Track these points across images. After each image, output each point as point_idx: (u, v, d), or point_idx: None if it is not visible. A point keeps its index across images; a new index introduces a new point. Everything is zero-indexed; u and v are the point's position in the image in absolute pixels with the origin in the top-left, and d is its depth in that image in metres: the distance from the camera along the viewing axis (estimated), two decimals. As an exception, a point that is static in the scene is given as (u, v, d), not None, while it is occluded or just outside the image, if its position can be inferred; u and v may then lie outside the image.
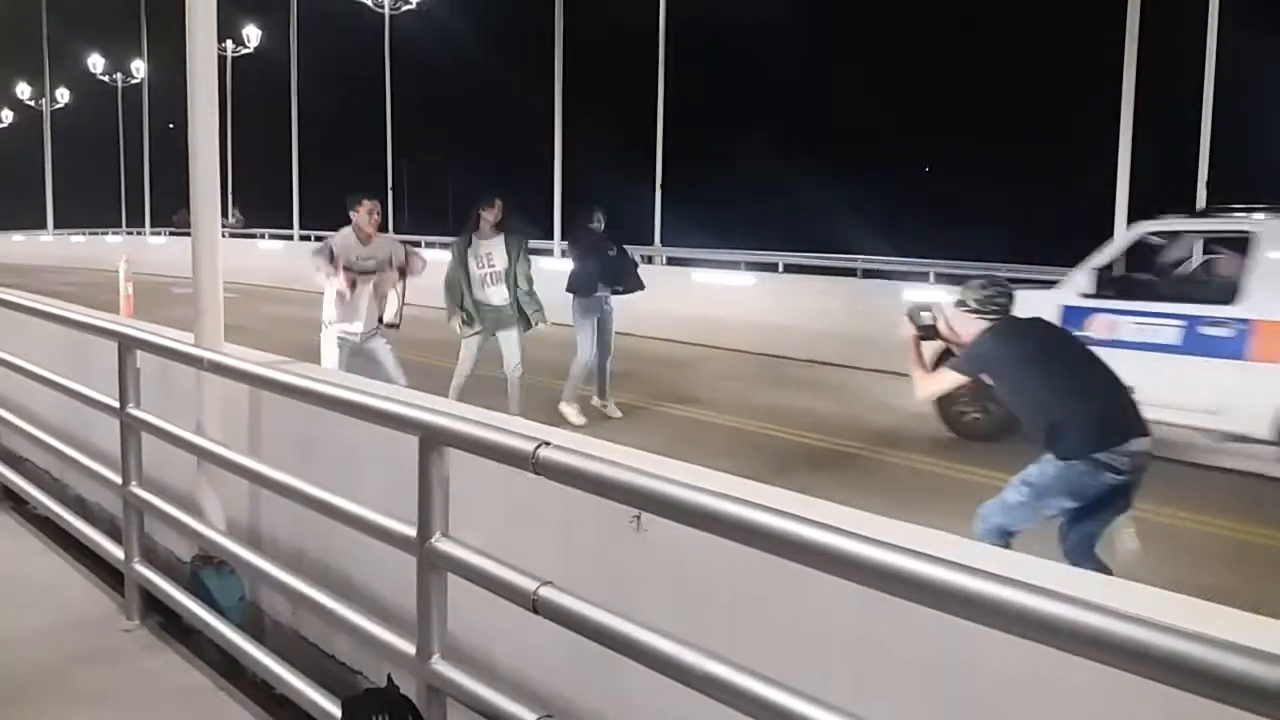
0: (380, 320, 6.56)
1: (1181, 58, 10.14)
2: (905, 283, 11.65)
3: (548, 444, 2.01)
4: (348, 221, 6.49)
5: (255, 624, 3.80)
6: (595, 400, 8.35)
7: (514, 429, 2.18)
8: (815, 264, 13.51)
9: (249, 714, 3.08)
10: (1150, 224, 7.68)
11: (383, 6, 21.68)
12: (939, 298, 4.61)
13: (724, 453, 7.03)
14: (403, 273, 6.52)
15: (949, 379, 4.22)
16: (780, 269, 13.33)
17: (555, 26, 15.68)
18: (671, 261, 14.78)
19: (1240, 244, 6.96)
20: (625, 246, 8.59)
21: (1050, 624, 1.39)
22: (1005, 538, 3.92)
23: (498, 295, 7.29)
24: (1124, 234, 7.91)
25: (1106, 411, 3.89)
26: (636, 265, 8.61)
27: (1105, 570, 3.81)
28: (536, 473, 2.01)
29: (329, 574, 3.29)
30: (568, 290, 8.27)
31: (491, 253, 7.28)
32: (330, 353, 6.46)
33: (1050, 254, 11.38)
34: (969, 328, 4.19)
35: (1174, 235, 7.78)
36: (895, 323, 10.61)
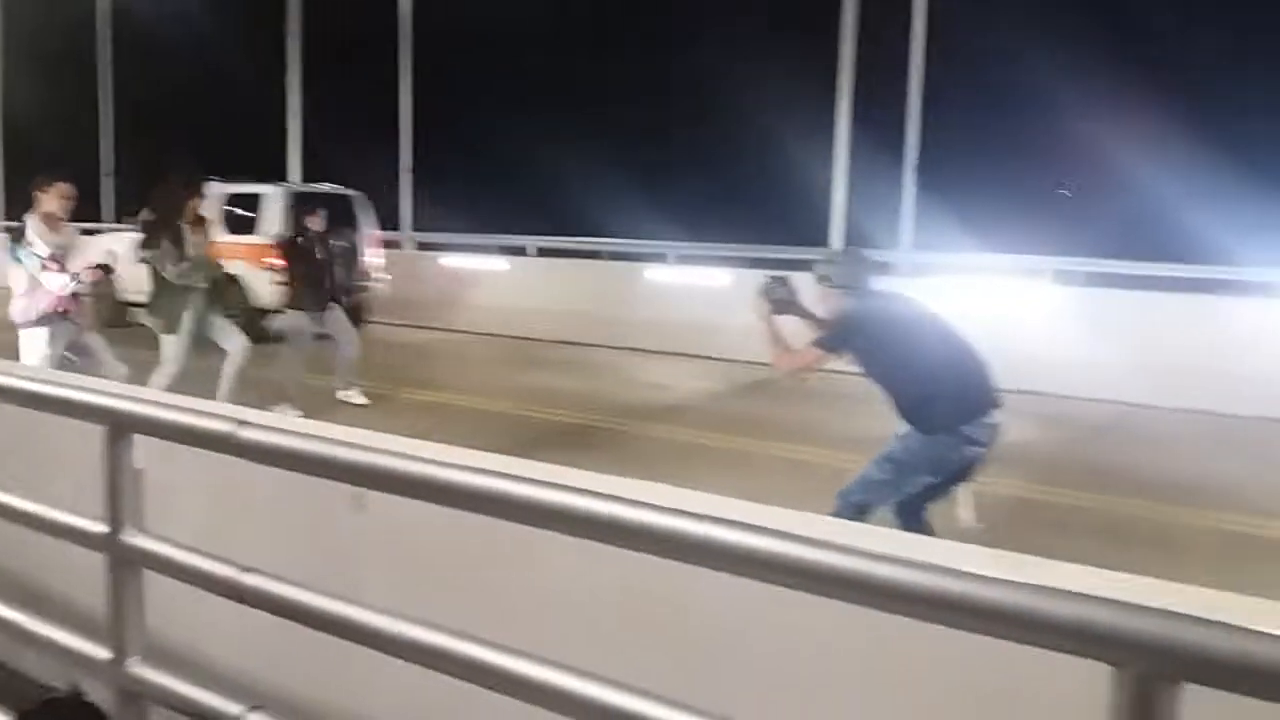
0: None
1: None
2: (647, 264, 11.99)
3: (247, 423, 1.92)
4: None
5: (-60, 650, 3.41)
6: (340, 394, 8.11)
7: (211, 410, 2.06)
8: (564, 247, 13.60)
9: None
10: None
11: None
12: (790, 272, 4.42)
13: (473, 434, 6.97)
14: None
15: (812, 357, 4.03)
16: (530, 252, 13.35)
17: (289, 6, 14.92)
18: (422, 247, 14.46)
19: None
20: (344, 242, 8.52)
21: (753, 557, 1.46)
22: (862, 514, 3.86)
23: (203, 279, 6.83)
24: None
25: (970, 385, 3.90)
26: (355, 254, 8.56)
27: (930, 533, 3.85)
28: (238, 454, 1.92)
29: (21, 586, 3.00)
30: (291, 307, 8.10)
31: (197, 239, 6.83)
32: (36, 349, 5.89)
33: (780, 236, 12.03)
34: (830, 303, 4.10)
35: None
36: (641, 303, 11.08)
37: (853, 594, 1.44)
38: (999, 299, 9.42)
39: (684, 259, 11.93)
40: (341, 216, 10.63)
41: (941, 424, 3.81)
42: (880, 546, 1.44)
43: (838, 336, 4.00)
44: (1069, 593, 1.24)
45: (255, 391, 6.96)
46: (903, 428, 3.93)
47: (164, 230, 6.65)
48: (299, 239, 8.21)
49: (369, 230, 12.00)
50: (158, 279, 6.69)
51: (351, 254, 9.83)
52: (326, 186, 12.20)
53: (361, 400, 8.12)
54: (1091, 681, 1.24)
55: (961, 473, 3.98)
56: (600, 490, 1.69)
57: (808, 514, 2.28)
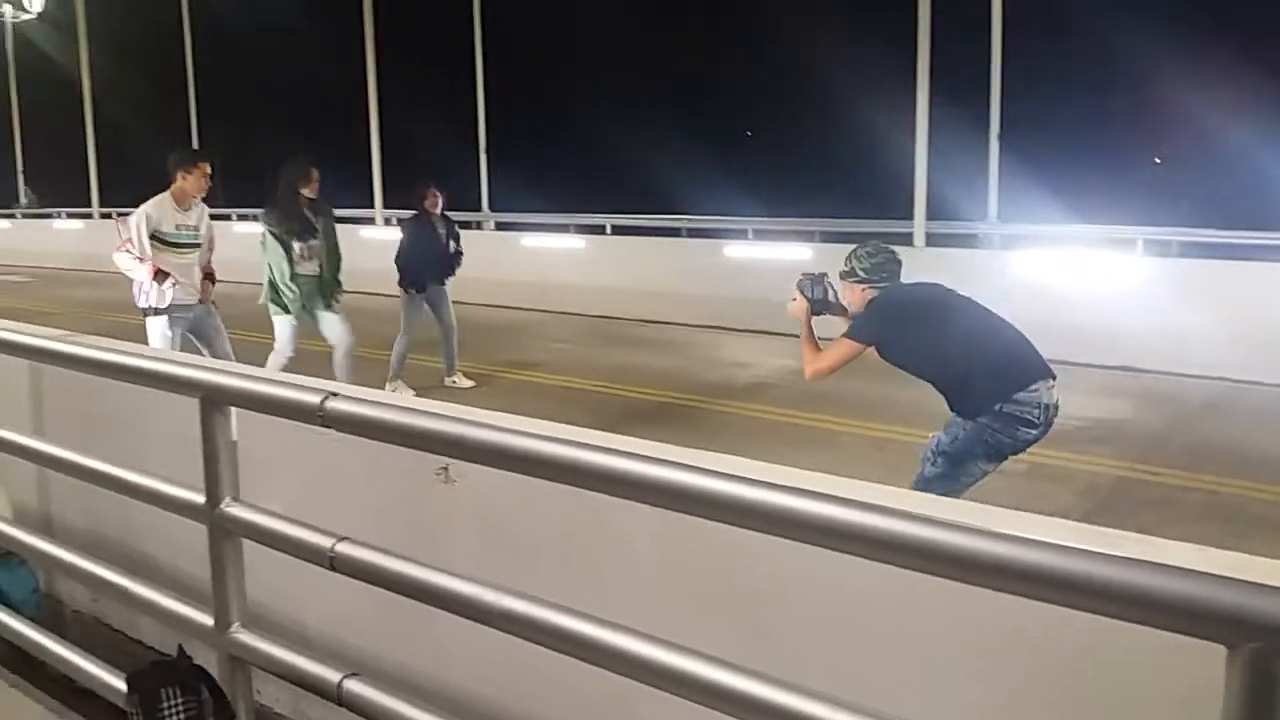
0: (210, 289, 6.26)
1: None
2: (727, 240, 11.91)
3: (335, 395, 1.95)
4: (154, 193, 6.08)
5: (54, 616, 3.58)
6: (446, 379, 8.21)
7: (301, 382, 2.10)
8: (642, 225, 13.58)
9: (44, 709, 2.90)
10: None
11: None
12: (821, 263, 4.34)
13: (559, 412, 7.02)
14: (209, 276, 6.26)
15: (845, 350, 3.96)
16: (608, 231, 13.38)
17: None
18: (500, 226, 14.59)
19: None
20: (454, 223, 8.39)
21: (833, 528, 1.45)
22: None
23: (313, 267, 6.98)
24: None
25: (1006, 360, 3.77)
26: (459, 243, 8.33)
27: None
28: (325, 425, 1.95)
29: (128, 555, 3.12)
30: (400, 285, 8.02)
31: (315, 232, 6.99)
32: (159, 335, 6.07)
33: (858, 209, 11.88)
34: (857, 297, 4.03)
35: None
36: (721, 280, 11.03)
37: (941, 568, 1.40)
38: (1088, 271, 9.14)
39: (764, 235, 11.82)
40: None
41: (982, 406, 3.69)
42: (966, 518, 1.41)
43: (866, 328, 3.94)
44: (1178, 569, 1.19)
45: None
46: (952, 419, 3.83)
47: (287, 209, 6.83)
48: (418, 216, 8.13)
49: None
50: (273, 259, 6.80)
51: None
52: None
53: (468, 383, 8.21)
54: (1201, 661, 1.19)
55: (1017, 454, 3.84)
56: (682, 461, 1.68)
57: (888, 487, 2.24)
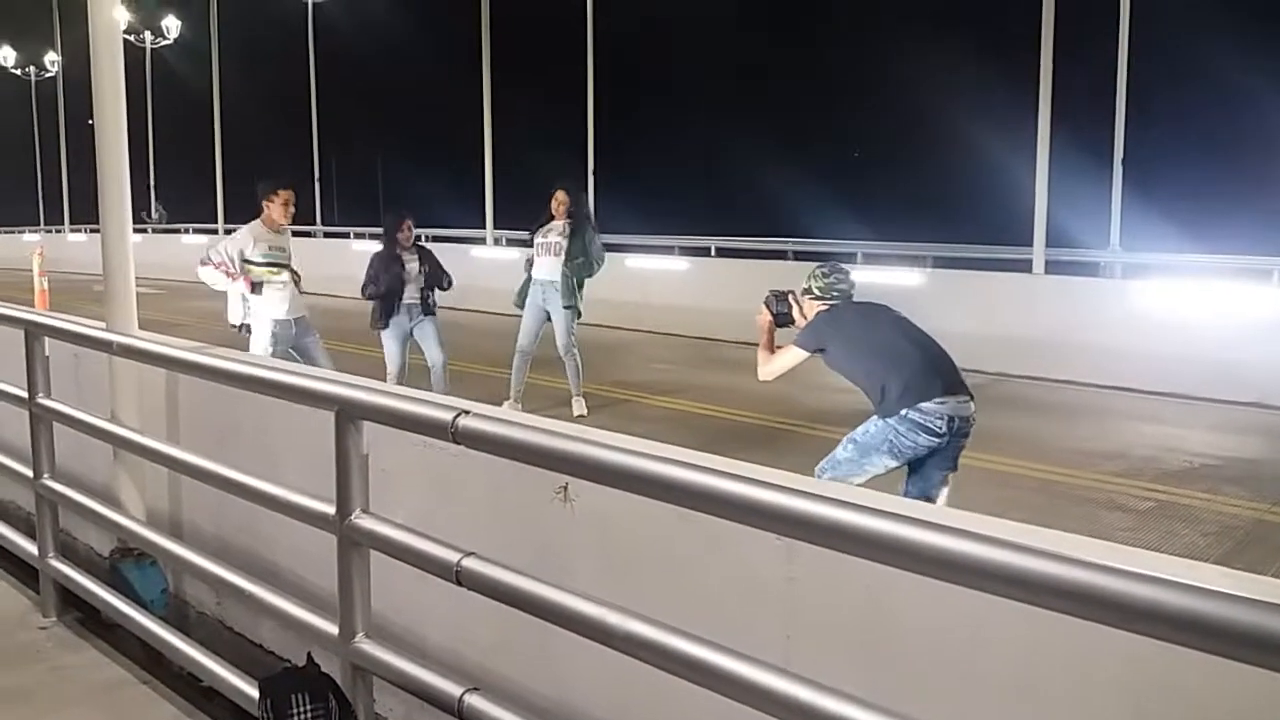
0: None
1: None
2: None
3: (467, 413, 1.98)
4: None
5: (180, 616, 3.71)
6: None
7: (434, 399, 2.14)
8: (748, 248, 13.54)
9: (173, 707, 3.00)
10: None
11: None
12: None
13: (657, 433, 7.02)
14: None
15: (791, 356, 4.41)
16: (712, 253, 13.36)
17: (482, 11, 15.47)
18: (606, 248, 14.70)
19: None
20: None
21: (966, 564, 1.40)
22: None
23: (552, 270, 7.81)
24: None
25: (920, 373, 4.10)
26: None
27: None
28: (456, 442, 1.97)
29: (253, 560, 3.22)
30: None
31: (551, 230, 7.79)
32: (261, 345, 6.31)
33: (971, 235, 11.63)
34: (812, 311, 4.44)
35: None
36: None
37: (1084, 609, 1.34)
38: (1217, 302, 8.74)
39: (873, 259, 11.64)
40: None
41: (892, 409, 4.04)
42: (1111, 560, 1.34)
43: (806, 336, 4.36)
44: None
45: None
46: (871, 416, 4.20)
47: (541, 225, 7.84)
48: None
49: None
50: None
51: None
52: None
53: (583, 410, 8.12)
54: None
55: (924, 459, 4.11)
56: (810, 491, 1.65)
57: (1024, 524, 2.16)
